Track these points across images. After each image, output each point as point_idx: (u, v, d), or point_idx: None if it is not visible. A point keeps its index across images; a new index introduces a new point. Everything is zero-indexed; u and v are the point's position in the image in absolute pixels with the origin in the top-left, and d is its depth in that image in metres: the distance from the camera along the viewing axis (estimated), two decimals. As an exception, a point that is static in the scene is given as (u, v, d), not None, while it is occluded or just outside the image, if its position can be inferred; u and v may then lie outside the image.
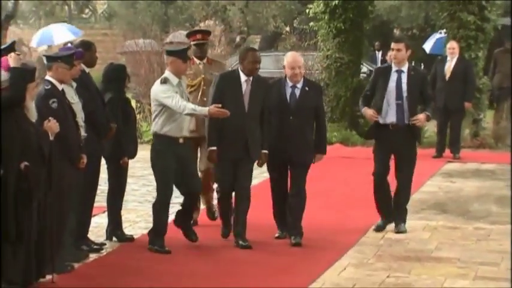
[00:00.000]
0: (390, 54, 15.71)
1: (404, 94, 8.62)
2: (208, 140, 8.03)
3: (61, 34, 21.63)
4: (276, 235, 8.40)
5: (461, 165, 13.62)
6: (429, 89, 9.13)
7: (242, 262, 7.65)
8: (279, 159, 8.17)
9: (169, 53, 8.05)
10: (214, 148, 7.93)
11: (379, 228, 8.77)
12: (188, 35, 9.20)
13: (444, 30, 16.40)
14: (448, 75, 14.01)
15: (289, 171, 8.31)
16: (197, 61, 8.80)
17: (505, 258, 7.81)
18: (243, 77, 8.04)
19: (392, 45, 8.83)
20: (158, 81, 7.90)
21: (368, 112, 8.69)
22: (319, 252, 7.97)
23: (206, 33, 9.29)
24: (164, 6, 30.69)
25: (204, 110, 7.74)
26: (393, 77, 8.69)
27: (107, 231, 8.41)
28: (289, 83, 8.25)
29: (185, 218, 8.06)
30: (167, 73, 7.91)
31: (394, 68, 8.75)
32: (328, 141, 15.38)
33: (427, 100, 8.82)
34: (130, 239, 8.40)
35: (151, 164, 7.96)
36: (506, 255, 7.93)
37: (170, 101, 7.68)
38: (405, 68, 8.71)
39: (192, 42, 8.87)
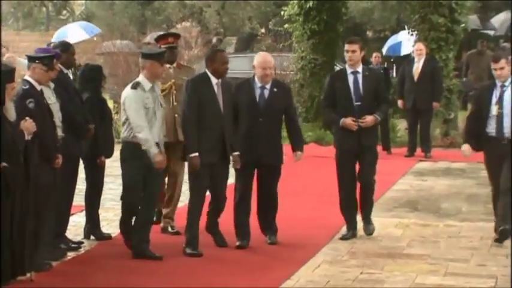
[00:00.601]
0: (374, 54, 15.88)
1: (362, 95, 8.42)
2: (189, 146, 7.71)
3: (76, 33, 21.65)
4: (237, 244, 8.06)
5: (433, 164, 13.70)
6: (384, 90, 8.92)
7: (217, 260, 7.63)
8: (249, 160, 7.98)
9: (147, 56, 7.72)
10: (196, 154, 7.62)
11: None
12: (159, 39, 8.81)
13: (409, 30, 16.49)
14: (416, 76, 14.10)
15: (257, 173, 8.13)
16: (167, 65, 8.41)
17: (474, 255, 7.86)
18: (213, 80, 7.81)
19: (347, 46, 8.57)
20: (129, 85, 7.65)
21: (347, 121, 8.35)
22: (294, 250, 7.98)
23: (177, 36, 9.04)
24: (141, 7, 30.63)
25: (152, 151, 7.47)
26: (350, 79, 8.49)
27: (84, 229, 8.39)
28: (258, 84, 8.09)
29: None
30: (141, 77, 7.63)
31: (349, 70, 8.53)
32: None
33: (381, 101, 8.54)
34: (108, 237, 8.37)
35: (121, 170, 7.78)
36: (476, 251, 7.99)
37: (132, 114, 7.48)
38: (360, 69, 8.53)
39: (162, 46, 8.55)
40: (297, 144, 8.33)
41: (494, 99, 8.19)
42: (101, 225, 8.53)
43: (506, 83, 8.21)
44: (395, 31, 27.75)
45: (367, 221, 8.63)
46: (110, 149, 8.39)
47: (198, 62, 18.89)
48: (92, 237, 8.34)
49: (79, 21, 25.46)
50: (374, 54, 15.71)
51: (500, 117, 8.12)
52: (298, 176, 12.21)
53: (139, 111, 7.48)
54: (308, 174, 12.43)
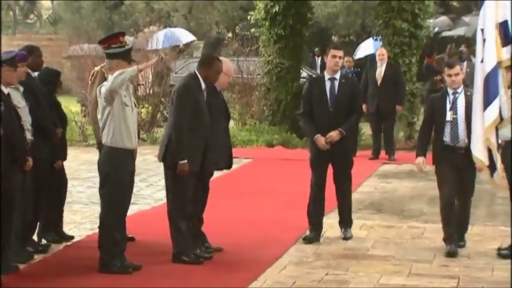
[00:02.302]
0: (346, 59, 15.84)
1: (337, 102, 8.44)
2: (179, 153, 7.37)
3: (185, 34, 21.68)
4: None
5: (396, 166, 13.79)
6: (359, 98, 8.90)
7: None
8: (197, 166, 7.64)
9: (113, 55, 7.42)
10: (186, 161, 7.37)
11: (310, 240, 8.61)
12: (109, 38, 8.19)
13: (379, 36, 16.59)
14: (379, 80, 14.21)
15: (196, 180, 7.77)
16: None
17: (437, 256, 7.92)
18: (203, 85, 7.58)
19: (335, 52, 8.49)
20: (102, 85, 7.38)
21: (320, 142, 8.35)
22: (261, 251, 7.98)
23: (123, 34, 8.42)
24: (109, 11, 30.51)
25: (132, 70, 7.11)
26: (327, 85, 8.50)
27: (38, 232, 8.19)
28: (217, 88, 7.92)
29: None
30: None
31: (327, 76, 8.54)
32: (269, 143, 15.72)
33: (353, 110, 8.51)
34: (70, 237, 8.31)
35: (104, 177, 7.33)
36: (438, 252, 8.04)
37: (105, 87, 7.04)
38: (338, 76, 8.55)
39: (113, 46, 7.87)
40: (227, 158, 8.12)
41: (448, 106, 8.13)
42: (69, 228, 8.45)
43: (459, 90, 8.12)
44: (359, 35, 27.99)
45: (344, 225, 8.66)
46: (64, 153, 8.32)
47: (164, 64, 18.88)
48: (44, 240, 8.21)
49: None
50: (346, 59, 15.78)
51: (454, 123, 8.08)
52: (265, 178, 12.25)
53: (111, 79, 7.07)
54: (275, 176, 12.46)
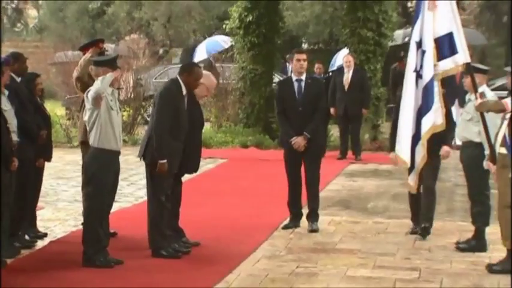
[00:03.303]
0: (317, 65, 15.86)
1: (305, 101, 8.56)
2: (159, 153, 7.32)
3: (225, 40, 21.70)
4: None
5: (362, 166, 13.84)
6: (323, 98, 8.98)
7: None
8: (176, 168, 7.64)
9: (100, 63, 7.41)
10: (165, 161, 7.32)
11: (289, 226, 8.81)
12: (88, 45, 8.36)
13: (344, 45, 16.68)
14: (346, 85, 14.31)
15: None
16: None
17: (400, 249, 7.96)
18: (183, 91, 7.55)
19: (298, 56, 8.66)
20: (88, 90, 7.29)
21: (296, 143, 8.50)
22: (236, 246, 7.97)
23: (103, 41, 8.61)
24: (92, 20, 30.35)
25: (107, 78, 7.04)
26: (295, 86, 8.63)
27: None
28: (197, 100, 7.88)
29: None
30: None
31: (294, 78, 8.67)
32: (243, 144, 15.72)
33: (316, 112, 8.60)
34: (43, 235, 8.25)
35: (90, 176, 7.28)
36: (401, 246, 8.08)
37: (92, 91, 6.99)
38: (304, 77, 8.67)
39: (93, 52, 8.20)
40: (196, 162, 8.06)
41: None
42: (54, 225, 8.39)
43: None
44: (328, 43, 28.07)
45: (312, 218, 8.73)
46: (50, 153, 8.25)
47: (146, 71, 18.82)
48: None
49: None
50: (316, 65, 15.87)
51: None
52: (240, 178, 12.24)
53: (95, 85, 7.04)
54: (249, 176, 12.46)
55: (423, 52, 7.80)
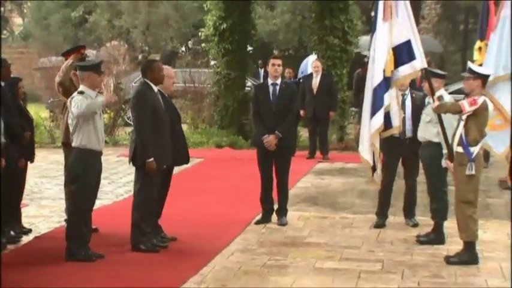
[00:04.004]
0: (287, 70, 15.92)
1: (279, 104, 8.60)
2: (145, 153, 7.29)
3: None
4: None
5: (330, 164, 13.87)
6: (296, 102, 8.99)
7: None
8: (169, 161, 7.67)
9: (85, 68, 7.30)
10: (152, 159, 7.28)
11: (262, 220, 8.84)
12: (70, 51, 8.28)
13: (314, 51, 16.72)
14: (315, 89, 14.34)
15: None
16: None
17: (365, 242, 7.99)
18: (154, 88, 7.50)
19: (274, 61, 8.70)
20: (74, 94, 7.23)
21: (268, 143, 8.54)
22: (211, 241, 7.96)
23: (84, 47, 8.51)
24: (74, 28, 30.14)
25: (99, 100, 7.05)
26: (270, 89, 8.69)
27: None
28: (166, 95, 7.79)
29: None
30: (82, 87, 7.19)
31: (270, 82, 8.73)
32: (218, 145, 15.69)
33: (288, 114, 8.65)
34: (28, 231, 8.17)
35: (74, 176, 7.20)
36: (366, 239, 8.12)
37: (75, 109, 6.98)
38: (279, 82, 8.72)
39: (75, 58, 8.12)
40: (184, 153, 8.05)
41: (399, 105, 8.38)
42: (38, 221, 8.31)
43: (406, 92, 8.46)
44: (297, 50, 28.13)
45: (281, 213, 8.78)
46: (32, 154, 8.18)
47: (126, 76, 18.73)
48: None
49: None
50: (286, 70, 15.87)
51: (403, 121, 8.34)
52: (215, 176, 12.22)
53: (80, 102, 6.98)
54: (223, 174, 12.44)
55: (374, 60, 7.87)
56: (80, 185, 7.12)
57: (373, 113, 7.95)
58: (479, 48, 11.78)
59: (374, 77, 7.84)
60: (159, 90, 7.60)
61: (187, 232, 8.22)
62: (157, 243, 7.60)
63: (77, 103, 7.03)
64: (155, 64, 7.68)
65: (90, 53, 9.68)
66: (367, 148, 8.00)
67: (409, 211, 8.77)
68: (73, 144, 7.18)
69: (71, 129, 7.20)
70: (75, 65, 7.66)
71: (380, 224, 8.62)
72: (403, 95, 8.45)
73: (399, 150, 8.49)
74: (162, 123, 7.41)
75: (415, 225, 8.62)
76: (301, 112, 14.38)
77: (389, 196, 8.70)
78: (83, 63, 7.45)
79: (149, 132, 7.33)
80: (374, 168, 8.09)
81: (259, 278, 6.71)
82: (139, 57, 24.44)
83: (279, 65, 8.69)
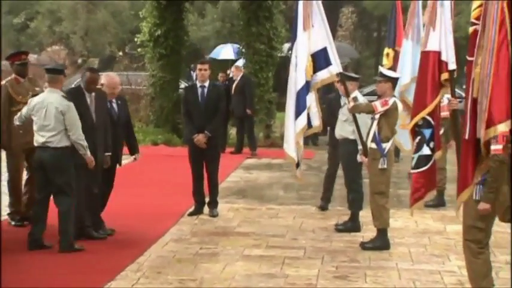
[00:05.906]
0: (220, 74, 15.96)
1: (207, 105, 8.64)
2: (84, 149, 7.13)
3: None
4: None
5: (257, 160, 13.94)
6: (223, 102, 8.97)
7: (81, 241, 7.40)
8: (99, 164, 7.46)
9: (51, 71, 7.08)
10: (89, 154, 7.05)
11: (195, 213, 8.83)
12: (12, 56, 8.07)
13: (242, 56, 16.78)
14: (233, 91, 14.49)
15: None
16: (21, 79, 7.96)
17: (289, 231, 8.06)
18: (86, 93, 7.39)
19: (200, 66, 8.82)
20: (62, 97, 7.03)
21: (198, 141, 8.58)
22: (146, 231, 7.89)
23: (26, 53, 8.33)
24: (17, 34, 29.43)
25: (88, 154, 7.07)
26: (199, 91, 8.73)
27: None
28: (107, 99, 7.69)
29: None
30: (56, 89, 7.06)
31: (198, 84, 8.78)
32: (154, 142, 15.57)
33: (216, 113, 8.68)
34: None
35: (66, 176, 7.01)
36: (290, 228, 8.19)
37: (78, 126, 7.00)
38: (207, 84, 8.77)
39: (16, 63, 7.96)
40: (133, 149, 8.05)
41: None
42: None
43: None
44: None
45: (212, 205, 8.80)
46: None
47: (66, 79, 18.35)
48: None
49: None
50: (220, 74, 15.94)
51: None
52: (151, 171, 12.11)
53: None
54: (159, 170, 12.35)
55: (296, 66, 7.94)
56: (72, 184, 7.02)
57: (298, 114, 7.99)
58: (387, 54, 12.45)
59: (297, 81, 7.90)
60: (98, 94, 7.46)
61: (125, 224, 8.11)
62: (98, 235, 7.49)
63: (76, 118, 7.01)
64: (91, 76, 7.42)
65: (32, 58, 9.45)
66: (293, 147, 8.03)
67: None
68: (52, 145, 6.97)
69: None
70: (45, 68, 7.36)
71: (324, 207, 8.99)
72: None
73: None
74: (85, 127, 7.16)
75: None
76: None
77: (332, 184, 9.04)
78: (50, 67, 7.32)
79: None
80: (298, 165, 8.14)
81: (192, 265, 6.69)
82: (79, 61, 24.00)
83: (205, 70, 8.77)
